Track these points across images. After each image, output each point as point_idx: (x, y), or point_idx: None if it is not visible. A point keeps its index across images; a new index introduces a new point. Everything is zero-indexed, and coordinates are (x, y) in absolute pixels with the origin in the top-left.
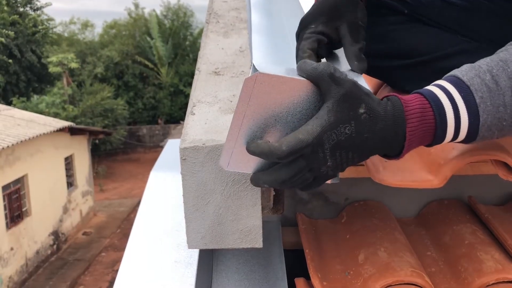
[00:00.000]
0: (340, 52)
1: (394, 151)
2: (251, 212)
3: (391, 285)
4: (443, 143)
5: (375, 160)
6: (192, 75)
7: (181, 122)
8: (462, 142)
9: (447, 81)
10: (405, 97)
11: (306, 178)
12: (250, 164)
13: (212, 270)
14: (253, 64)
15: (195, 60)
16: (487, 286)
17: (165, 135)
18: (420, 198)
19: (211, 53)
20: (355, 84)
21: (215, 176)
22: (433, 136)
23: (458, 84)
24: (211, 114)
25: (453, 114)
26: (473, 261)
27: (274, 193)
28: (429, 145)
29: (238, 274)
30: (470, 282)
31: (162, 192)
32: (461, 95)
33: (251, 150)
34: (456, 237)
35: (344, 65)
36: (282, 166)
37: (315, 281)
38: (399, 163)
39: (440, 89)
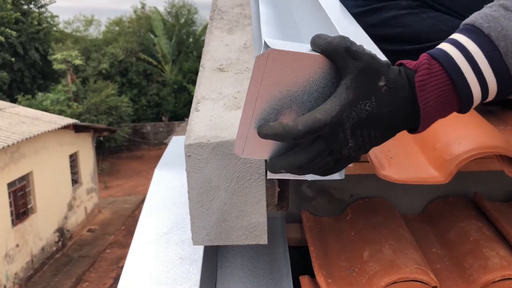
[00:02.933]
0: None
1: (417, 121)
2: (255, 208)
3: (396, 282)
4: (476, 96)
5: (380, 156)
6: (196, 72)
7: (185, 119)
8: (501, 87)
9: (454, 33)
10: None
11: (327, 161)
12: (266, 149)
13: (217, 267)
14: (264, 41)
15: (199, 57)
16: (493, 282)
17: (169, 132)
18: (425, 194)
19: (215, 49)
20: (372, 57)
21: (220, 172)
22: (454, 88)
23: (462, 29)
24: (215, 111)
25: (463, 58)
26: (478, 257)
27: (278, 190)
28: (461, 106)
29: (243, 271)
30: (475, 279)
31: (167, 188)
32: (467, 36)
33: (263, 133)
34: (461, 233)
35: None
36: (300, 149)
37: (319, 278)
38: (405, 159)
39: (445, 42)
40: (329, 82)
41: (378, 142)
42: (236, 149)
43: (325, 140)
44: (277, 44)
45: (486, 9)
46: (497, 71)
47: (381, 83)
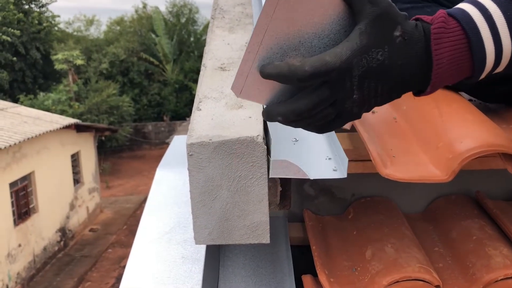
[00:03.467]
0: None
1: (427, 80)
2: (258, 207)
3: (398, 281)
4: (489, 59)
5: (383, 155)
6: (197, 71)
7: (187, 118)
8: None
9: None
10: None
11: (328, 113)
12: (266, 93)
13: (219, 266)
14: None
15: (200, 57)
16: (496, 281)
17: (171, 132)
18: (428, 193)
19: (217, 48)
20: (391, 4)
21: (222, 171)
22: (469, 50)
23: None
24: (217, 110)
25: (480, 14)
26: (481, 256)
27: (280, 189)
28: (473, 69)
29: (245, 270)
30: (478, 277)
31: (169, 188)
32: None
33: (266, 72)
34: (464, 232)
35: None
36: (302, 94)
37: (322, 277)
38: (407, 158)
39: (464, 2)
40: (342, 28)
41: (383, 100)
42: (234, 87)
43: (331, 86)
44: None
45: None
46: None
47: (397, 33)
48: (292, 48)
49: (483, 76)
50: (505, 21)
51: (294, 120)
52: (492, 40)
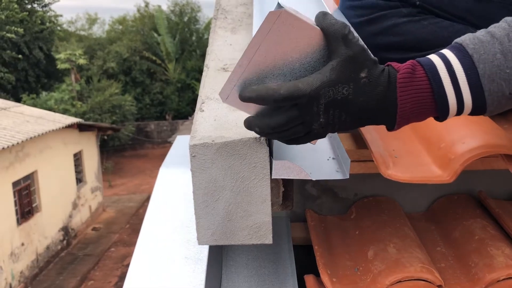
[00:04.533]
0: None
1: (390, 119)
2: (260, 208)
3: (400, 281)
4: (451, 108)
5: (385, 155)
6: (199, 70)
7: (189, 117)
8: (476, 105)
9: (444, 48)
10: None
11: (297, 130)
12: (247, 105)
13: (222, 266)
14: (278, 2)
15: (202, 56)
16: (498, 281)
17: (173, 131)
18: (430, 193)
19: (219, 49)
20: (363, 50)
21: (225, 172)
22: (433, 99)
23: (451, 46)
24: (220, 111)
25: (445, 68)
26: (483, 256)
27: (283, 190)
28: (438, 115)
29: (248, 270)
30: (480, 277)
31: (172, 188)
32: (453, 53)
33: (246, 96)
34: (466, 232)
35: None
36: (276, 113)
37: (324, 277)
38: (409, 159)
39: (434, 54)
40: (322, 59)
41: (346, 127)
42: (221, 93)
43: (300, 109)
44: (289, 8)
45: (478, 32)
46: (473, 89)
47: (363, 75)
48: (276, 68)
49: (450, 117)
50: (465, 78)
51: (269, 132)
52: (454, 92)
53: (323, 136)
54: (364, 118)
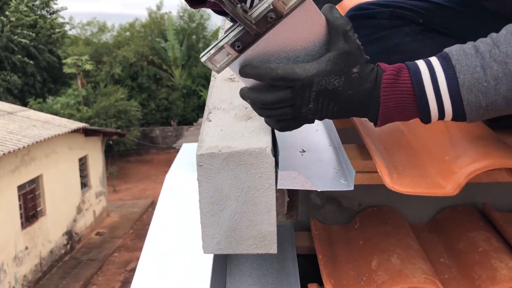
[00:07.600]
0: None
1: (373, 114)
2: (265, 218)
3: None
4: (433, 112)
5: (389, 167)
6: (205, 77)
7: (194, 123)
8: (456, 112)
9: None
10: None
11: (286, 112)
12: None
13: (226, 274)
14: None
15: None
16: None
17: (178, 137)
18: (434, 204)
19: None
20: (359, 48)
21: (231, 182)
22: (415, 101)
23: (439, 54)
24: (226, 121)
25: (429, 75)
26: (487, 268)
27: (288, 199)
28: (420, 116)
29: (251, 278)
30: None
31: (178, 195)
32: (439, 61)
33: (245, 72)
34: (469, 244)
35: None
36: (270, 90)
37: (328, 286)
38: (413, 171)
39: (422, 60)
40: (322, 49)
41: (333, 115)
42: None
43: (293, 92)
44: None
45: (465, 45)
46: (453, 97)
47: (355, 70)
48: (284, 50)
49: (433, 121)
50: (446, 86)
51: (259, 107)
52: (435, 97)
53: (311, 122)
54: (349, 110)
